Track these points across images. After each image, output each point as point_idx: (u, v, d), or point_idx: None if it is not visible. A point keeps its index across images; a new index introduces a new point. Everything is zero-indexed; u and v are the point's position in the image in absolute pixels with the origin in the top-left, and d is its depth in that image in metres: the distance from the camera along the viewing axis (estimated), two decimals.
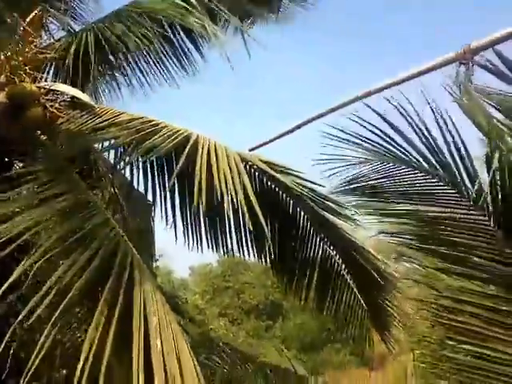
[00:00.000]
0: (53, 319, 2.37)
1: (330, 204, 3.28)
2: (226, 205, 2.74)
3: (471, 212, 3.01)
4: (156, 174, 3.69)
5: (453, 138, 2.82)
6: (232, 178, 2.76)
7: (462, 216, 3.07)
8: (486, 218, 2.92)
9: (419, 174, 3.29)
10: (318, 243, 3.91)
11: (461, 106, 2.78)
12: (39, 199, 2.96)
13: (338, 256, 3.91)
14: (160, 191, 3.69)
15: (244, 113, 32.55)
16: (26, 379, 2.23)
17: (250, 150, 3.38)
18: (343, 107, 2.75)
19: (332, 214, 3.37)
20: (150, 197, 3.79)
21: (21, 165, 3.53)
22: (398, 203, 3.37)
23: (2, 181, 3.05)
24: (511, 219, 2.83)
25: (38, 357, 2.30)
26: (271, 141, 3.08)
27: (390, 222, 3.33)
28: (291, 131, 2.96)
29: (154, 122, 3.25)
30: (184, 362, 2.29)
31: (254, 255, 3.89)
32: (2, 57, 3.57)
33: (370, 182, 3.51)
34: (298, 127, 2.92)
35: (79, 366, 2.23)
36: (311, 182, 3.26)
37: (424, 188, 3.28)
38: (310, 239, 3.90)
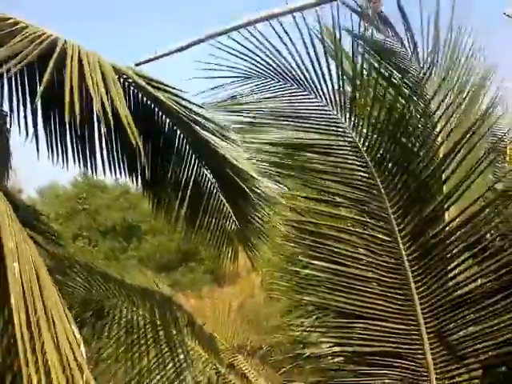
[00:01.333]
0: None
1: (208, 124, 3.28)
2: (96, 120, 2.60)
3: (338, 139, 3.25)
4: (14, 81, 3.31)
5: None
6: (105, 90, 2.58)
7: (328, 143, 3.30)
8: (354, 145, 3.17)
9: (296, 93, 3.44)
10: (193, 163, 3.91)
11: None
12: None
13: (212, 175, 3.96)
14: (19, 100, 3.34)
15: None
16: None
17: (137, 64, 3.20)
18: (231, 31, 2.72)
19: (210, 133, 3.38)
20: (5, 107, 3.42)
21: None
22: (271, 125, 3.51)
23: None
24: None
25: None
26: (159, 57, 2.92)
27: (264, 144, 3.47)
28: (180, 50, 2.85)
29: (13, 21, 2.88)
30: (44, 287, 2.19)
31: (126, 175, 3.77)
32: None
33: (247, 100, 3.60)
34: (188, 47, 2.82)
35: None
36: (190, 101, 3.20)
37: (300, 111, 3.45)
38: (186, 159, 3.88)
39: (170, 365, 4.59)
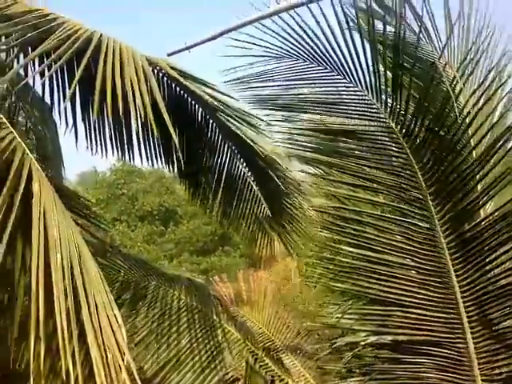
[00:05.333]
0: None
1: (240, 114, 3.28)
2: (132, 110, 2.63)
3: (375, 124, 3.18)
4: (55, 76, 3.38)
5: None
6: (139, 82, 2.61)
7: (365, 128, 3.23)
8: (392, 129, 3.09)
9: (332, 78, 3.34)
10: (225, 152, 3.94)
11: None
12: None
13: (244, 164, 3.98)
14: (59, 94, 3.42)
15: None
16: None
17: (169, 54, 3.21)
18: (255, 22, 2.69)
19: (240, 123, 3.39)
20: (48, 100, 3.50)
21: None
22: (306, 112, 3.45)
23: None
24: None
25: None
26: (190, 47, 2.93)
27: (297, 130, 3.42)
28: (213, 38, 2.83)
29: (51, 17, 2.93)
30: (90, 278, 2.25)
31: (162, 163, 3.83)
32: None
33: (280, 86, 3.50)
34: (221, 34, 2.81)
35: None
36: (221, 92, 3.20)
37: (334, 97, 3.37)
38: (218, 148, 3.91)
39: (207, 347, 4.66)
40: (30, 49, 3.05)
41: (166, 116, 2.57)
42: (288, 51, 3.36)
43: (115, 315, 2.16)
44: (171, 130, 2.57)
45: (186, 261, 18.91)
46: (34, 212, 2.36)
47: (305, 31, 3.20)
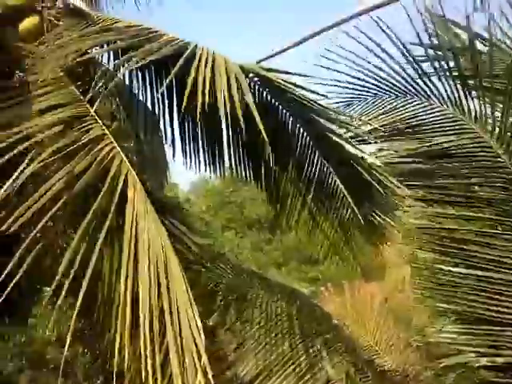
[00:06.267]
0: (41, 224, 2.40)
1: (335, 117, 3.22)
2: (223, 120, 2.67)
3: (477, 141, 3.05)
4: (155, 86, 3.54)
5: None
6: (231, 91, 2.63)
7: (466, 146, 3.13)
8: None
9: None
10: (316, 160, 3.85)
11: None
12: (38, 110, 2.88)
13: (336, 173, 3.87)
14: (159, 105, 3.57)
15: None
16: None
17: (258, 62, 3.24)
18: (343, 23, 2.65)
19: (336, 126, 3.31)
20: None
21: (22, 75, 3.41)
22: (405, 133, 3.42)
23: (3, 89, 2.96)
24: None
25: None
26: (275, 54, 2.93)
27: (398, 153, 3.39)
28: (295, 45, 2.81)
29: (152, 29, 3.09)
30: (174, 283, 2.31)
31: (251, 174, 3.85)
32: None
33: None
34: (302, 41, 2.78)
35: (60, 270, 2.27)
36: (314, 91, 3.13)
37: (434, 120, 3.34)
38: (309, 156, 3.84)
39: (306, 355, 4.60)
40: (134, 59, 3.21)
41: (259, 124, 2.55)
42: (381, 87, 3.44)
43: (195, 318, 2.19)
44: (265, 137, 2.54)
45: (293, 269, 18.92)
46: (127, 217, 2.48)
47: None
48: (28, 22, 3.33)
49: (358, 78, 3.63)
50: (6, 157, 2.53)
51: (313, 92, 3.08)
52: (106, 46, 3.31)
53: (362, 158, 3.41)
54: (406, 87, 3.49)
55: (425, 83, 3.41)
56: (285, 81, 3.05)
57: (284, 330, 4.68)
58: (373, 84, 3.65)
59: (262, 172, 3.86)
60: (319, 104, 3.15)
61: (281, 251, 19.51)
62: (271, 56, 2.90)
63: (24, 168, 2.56)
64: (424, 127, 3.45)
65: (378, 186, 3.37)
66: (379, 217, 3.91)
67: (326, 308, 6.10)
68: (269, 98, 3.51)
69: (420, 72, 3.38)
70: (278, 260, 19.28)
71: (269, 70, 3.12)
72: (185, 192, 19.99)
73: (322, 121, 3.28)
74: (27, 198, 2.43)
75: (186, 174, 28.58)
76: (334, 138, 3.31)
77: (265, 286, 4.95)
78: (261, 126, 2.57)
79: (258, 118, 2.56)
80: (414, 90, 3.46)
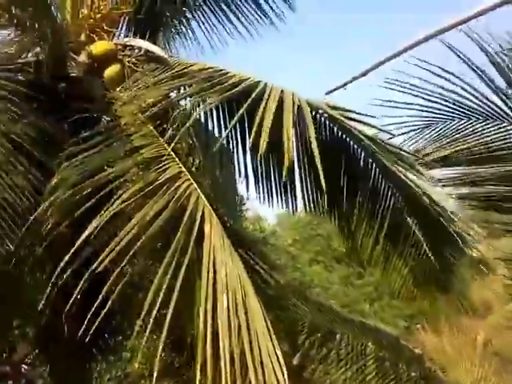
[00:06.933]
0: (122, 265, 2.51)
1: (405, 157, 3.13)
2: (286, 156, 2.68)
3: None
4: (229, 123, 3.64)
5: None
6: (297, 129, 2.65)
7: None
8: None
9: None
10: (387, 196, 3.74)
11: None
12: (123, 152, 3.06)
13: (408, 210, 3.73)
14: (232, 142, 3.66)
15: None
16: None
17: (327, 93, 3.23)
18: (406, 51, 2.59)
19: (406, 168, 3.21)
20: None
21: (108, 119, 3.65)
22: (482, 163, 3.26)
23: (92, 136, 3.17)
24: None
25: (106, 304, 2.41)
26: (346, 84, 2.90)
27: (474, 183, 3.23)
28: (366, 73, 2.78)
29: (224, 71, 3.21)
30: (253, 317, 2.30)
31: (324, 208, 3.80)
32: (81, 16, 3.67)
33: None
34: (376, 67, 2.74)
35: (144, 310, 2.33)
36: (384, 130, 3.08)
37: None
38: (380, 192, 3.73)
39: None
40: (207, 99, 3.35)
41: (318, 163, 2.53)
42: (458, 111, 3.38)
43: (276, 353, 2.17)
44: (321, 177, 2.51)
45: (386, 305, 18.12)
46: (205, 253, 2.53)
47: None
48: (111, 71, 3.57)
49: (435, 102, 3.52)
50: (94, 199, 2.70)
51: (381, 130, 3.03)
52: (182, 89, 3.45)
53: (436, 193, 3.28)
54: (486, 110, 3.34)
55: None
56: (351, 118, 3.04)
57: (372, 371, 4.50)
58: (450, 107, 3.53)
59: (335, 207, 3.80)
60: (387, 143, 3.10)
61: (373, 286, 18.81)
62: (345, 84, 2.88)
63: (108, 208, 2.71)
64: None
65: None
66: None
67: (422, 348, 5.78)
68: (339, 133, 3.48)
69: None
70: (371, 295, 18.56)
71: (334, 108, 3.10)
72: (271, 225, 20.09)
73: (390, 157, 3.20)
74: (109, 235, 2.57)
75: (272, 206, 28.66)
76: (405, 175, 3.21)
77: (351, 325, 4.81)
78: (319, 165, 2.54)
79: (317, 159, 2.53)
80: (495, 113, 3.30)
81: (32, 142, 3.15)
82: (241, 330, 2.27)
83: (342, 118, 2.98)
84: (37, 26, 3.26)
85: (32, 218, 2.84)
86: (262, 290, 3.14)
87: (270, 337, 2.27)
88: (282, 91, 2.84)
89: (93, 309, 2.39)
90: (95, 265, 2.45)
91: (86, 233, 2.57)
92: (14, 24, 3.45)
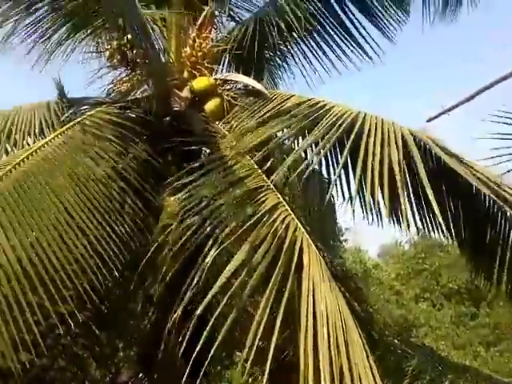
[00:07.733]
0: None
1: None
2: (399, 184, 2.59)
3: None
4: (328, 154, 3.59)
5: None
6: (400, 158, 2.56)
7: None
8: None
9: None
10: (504, 224, 3.45)
11: None
12: (226, 183, 3.10)
13: None
14: (334, 170, 3.60)
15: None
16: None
17: (428, 120, 3.10)
18: None
19: None
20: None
21: (208, 151, 3.75)
22: None
23: (194, 169, 3.26)
24: None
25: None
26: (448, 110, 2.77)
27: None
28: (470, 99, 2.62)
29: (321, 104, 3.23)
30: (354, 354, 2.21)
31: (445, 235, 3.58)
32: (184, 54, 3.87)
33: None
34: (477, 94, 2.58)
35: (247, 346, 2.31)
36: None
37: None
38: (497, 219, 3.45)
39: None
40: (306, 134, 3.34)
41: (430, 195, 2.41)
42: None
43: None
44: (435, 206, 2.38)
45: (506, 350, 16.50)
46: (304, 284, 2.48)
47: None
48: (211, 105, 3.72)
49: None
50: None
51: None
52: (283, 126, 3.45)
53: None
54: None
55: None
56: (450, 154, 2.90)
57: None
58: None
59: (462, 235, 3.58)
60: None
61: (490, 328, 17.28)
62: (443, 113, 2.75)
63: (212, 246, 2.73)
64: None
65: None
66: None
67: None
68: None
69: None
70: (487, 338, 17.04)
71: (434, 141, 3.00)
72: (373, 258, 19.45)
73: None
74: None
75: (375, 238, 27.93)
76: None
77: (463, 371, 4.43)
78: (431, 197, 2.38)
79: (429, 191, 2.39)
80: None
81: (138, 176, 3.30)
82: (342, 367, 2.19)
83: (444, 155, 2.85)
84: (146, 65, 3.47)
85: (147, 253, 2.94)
86: (363, 325, 3.00)
87: (373, 374, 2.18)
88: (382, 122, 2.78)
89: (199, 346, 2.39)
90: (201, 307, 2.49)
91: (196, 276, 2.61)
92: (125, 64, 3.71)
